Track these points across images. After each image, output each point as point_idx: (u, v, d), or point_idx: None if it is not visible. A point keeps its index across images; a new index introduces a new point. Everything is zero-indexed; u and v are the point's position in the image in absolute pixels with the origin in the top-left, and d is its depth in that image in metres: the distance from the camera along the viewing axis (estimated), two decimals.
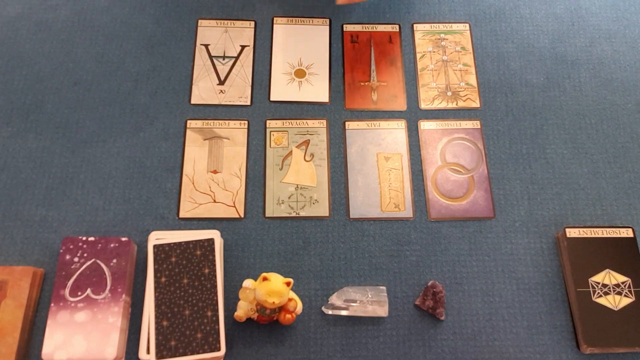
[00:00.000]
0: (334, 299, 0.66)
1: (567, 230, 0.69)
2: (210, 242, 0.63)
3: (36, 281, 0.65)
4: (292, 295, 0.63)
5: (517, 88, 0.79)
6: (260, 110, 0.77)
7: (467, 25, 0.84)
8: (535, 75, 0.80)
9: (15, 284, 0.63)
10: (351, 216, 0.71)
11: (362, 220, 0.71)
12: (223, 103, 0.77)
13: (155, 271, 0.62)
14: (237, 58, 0.80)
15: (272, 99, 0.78)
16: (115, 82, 0.78)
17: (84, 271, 0.63)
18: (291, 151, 0.74)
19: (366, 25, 0.83)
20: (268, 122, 0.76)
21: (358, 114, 0.77)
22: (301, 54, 0.80)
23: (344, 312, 0.65)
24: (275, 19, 0.83)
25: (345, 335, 0.65)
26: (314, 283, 0.67)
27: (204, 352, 0.58)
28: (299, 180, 0.73)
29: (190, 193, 0.71)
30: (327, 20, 0.83)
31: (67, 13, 0.82)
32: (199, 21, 0.82)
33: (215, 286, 0.61)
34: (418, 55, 0.81)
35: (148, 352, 0.61)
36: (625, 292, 0.66)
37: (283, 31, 0.82)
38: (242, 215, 0.70)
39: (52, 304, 0.62)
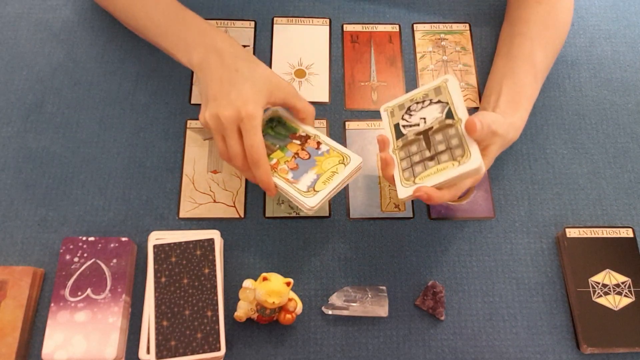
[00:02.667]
0: (334, 299, 0.66)
1: (567, 230, 0.69)
2: (210, 242, 0.63)
3: (36, 281, 0.65)
4: (292, 295, 0.63)
5: None
6: None
7: (467, 25, 0.84)
8: None
9: (15, 284, 0.63)
10: (351, 216, 0.71)
11: (362, 220, 0.71)
12: None
13: (155, 271, 0.62)
14: None
15: None
16: (115, 82, 0.78)
17: (84, 271, 0.63)
18: None
19: (366, 25, 0.83)
20: None
21: (358, 114, 0.77)
22: (301, 54, 0.80)
23: (344, 312, 0.65)
24: (275, 19, 0.83)
25: (345, 335, 0.65)
26: (314, 283, 0.67)
27: (204, 352, 0.58)
28: None
29: (190, 193, 0.71)
30: (327, 20, 0.83)
31: (67, 13, 0.82)
32: None
33: (215, 286, 0.61)
34: (418, 55, 0.81)
35: (148, 352, 0.61)
36: (625, 292, 0.66)
37: (283, 31, 0.82)
38: (242, 215, 0.70)
39: (52, 304, 0.62)
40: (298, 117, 0.68)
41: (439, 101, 0.64)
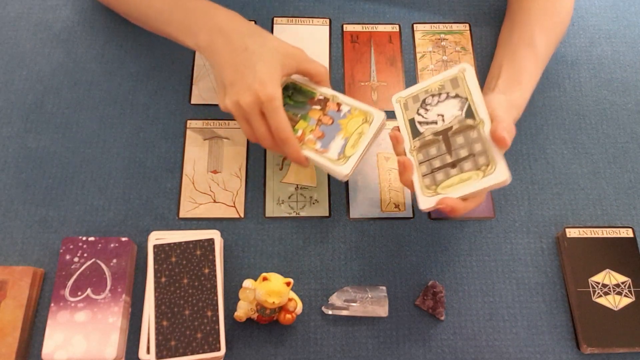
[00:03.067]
0: (334, 299, 0.66)
1: (567, 230, 0.69)
2: (210, 242, 0.63)
3: (36, 281, 0.65)
4: (292, 295, 0.63)
5: None
6: None
7: (467, 25, 0.84)
8: None
9: (15, 284, 0.63)
10: (351, 216, 0.71)
11: (362, 220, 0.71)
12: None
13: (155, 271, 0.62)
14: None
15: None
16: (115, 82, 0.78)
17: (84, 271, 0.63)
18: None
19: (366, 25, 0.83)
20: None
21: None
22: None
23: (344, 312, 0.65)
24: (275, 19, 0.83)
25: (345, 335, 0.65)
26: (314, 283, 0.67)
27: (204, 352, 0.58)
28: (299, 180, 0.73)
29: (190, 193, 0.71)
30: (327, 20, 0.83)
31: (67, 13, 0.82)
32: None
33: (215, 286, 0.61)
34: (418, 55, 0.81)
35: (148, 352, 0.61)
36: (625, 292, 0.66)
37: (283, 31, 0.82)
38: (242, 215, 0.70)
39: (52, 304, 0.62)
40: (313, 80, 0.68)
41: (457, 95, 0.60)
